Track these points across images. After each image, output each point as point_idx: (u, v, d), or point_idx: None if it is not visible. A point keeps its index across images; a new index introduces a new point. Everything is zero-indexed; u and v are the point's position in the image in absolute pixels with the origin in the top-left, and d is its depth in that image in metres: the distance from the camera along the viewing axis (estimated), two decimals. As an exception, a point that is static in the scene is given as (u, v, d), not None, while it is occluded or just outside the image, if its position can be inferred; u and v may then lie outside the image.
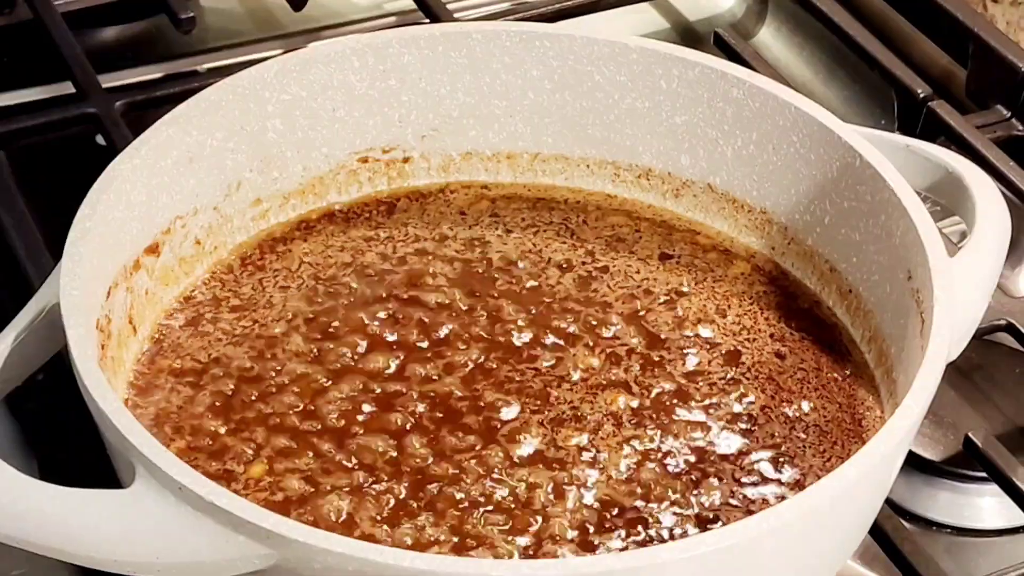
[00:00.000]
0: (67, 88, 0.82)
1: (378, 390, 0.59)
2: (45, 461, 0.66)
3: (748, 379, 0.61)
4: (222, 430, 0.58)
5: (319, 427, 0.58)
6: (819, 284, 0.65)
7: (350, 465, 0.56)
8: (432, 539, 0.54)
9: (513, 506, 0.55)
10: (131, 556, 0.49)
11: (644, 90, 0.67)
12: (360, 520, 0.54)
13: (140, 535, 0.49)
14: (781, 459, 0.58)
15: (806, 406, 0.60)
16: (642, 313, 0.64)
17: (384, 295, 0.64)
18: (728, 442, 0.59)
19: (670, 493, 0.56)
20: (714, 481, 0.57)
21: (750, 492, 0.57)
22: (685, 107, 0.67)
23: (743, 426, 0.59)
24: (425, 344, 0.61)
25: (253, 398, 0.59)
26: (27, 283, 0.70)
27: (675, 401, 0.60)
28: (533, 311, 0.63)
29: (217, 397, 0.59)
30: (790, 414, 0.60)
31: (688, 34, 0.96)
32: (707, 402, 0.60)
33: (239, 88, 0.64)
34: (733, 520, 0.55)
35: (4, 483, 0.49)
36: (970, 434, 0.65)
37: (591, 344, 0.62)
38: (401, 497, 0.55)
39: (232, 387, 0.60)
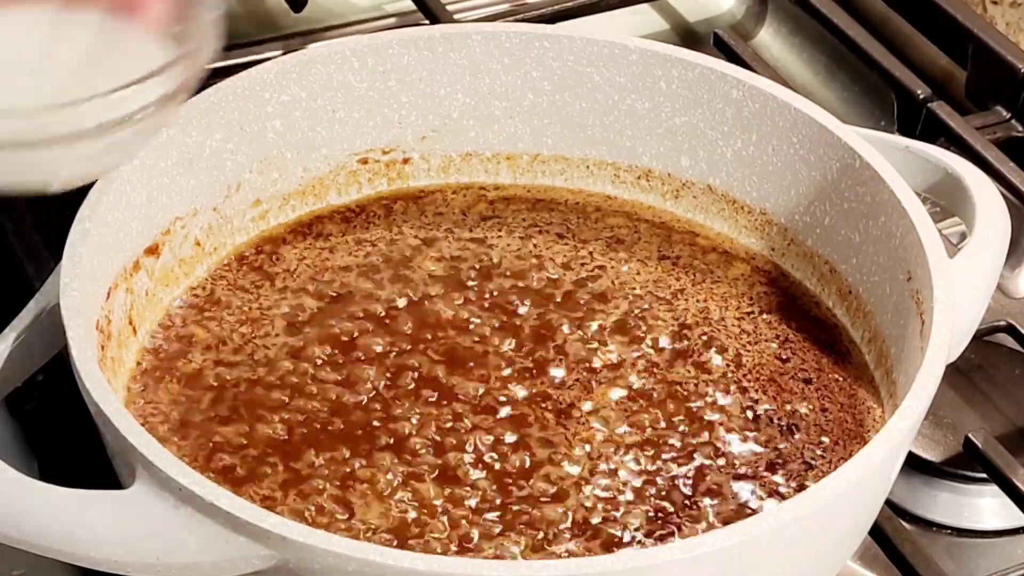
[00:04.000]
0: (67, 89, 0.82)
1: (378, 391, 0.59)
2: (45, 461, 0.66)
3: (749, 380, 0.61)
4: (222, 431, 0.58)
5: (319, 427, 0.58)
6: (819, 285, 0.65)
7: (352, 466, 0.56)
8: (433, 539, 0.54)
9: (514, 504, 0.55)
10: (131, 557, 0.49)
11: (644, 91, 0.67)
12: (363, 519, 0.55)
13: (140, 536, 0.49)
14: (781, 460, 0.58)
15: (806, 407, 0.60)
16: (642, 314, 0.64)
17: (384, 296, 0.64)
18: (728, 443, 0.59)
19: (670, 493, 0.56)
20: (714, 481, 0.57)
21: (750, 492, 0.57)
22: (685, 108, 0.67)
23: (743, 427, 0.59)
24: (426, 344, 0.61)
25: (253, 399, 0.59)
26: (27, 283, 0.70)
27: (675, 402, 0.60)
28: (533, 312, 0.63)
29: (217, 398, 0.59)
30: (790, 415, 0.60)
31: (688, 35, 0.96)
32: (707, 403, 0.60)
33: (239, 89, 0.64)
34: (733, 521, 0.55)
35: (4, 484, 0.49)
36: (970, 435, 0.65)
37: (591, 345, 0.62)
38: (401, 496, 0.55)
39: (232, 388, 0.60)
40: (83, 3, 0.49)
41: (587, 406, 0.59)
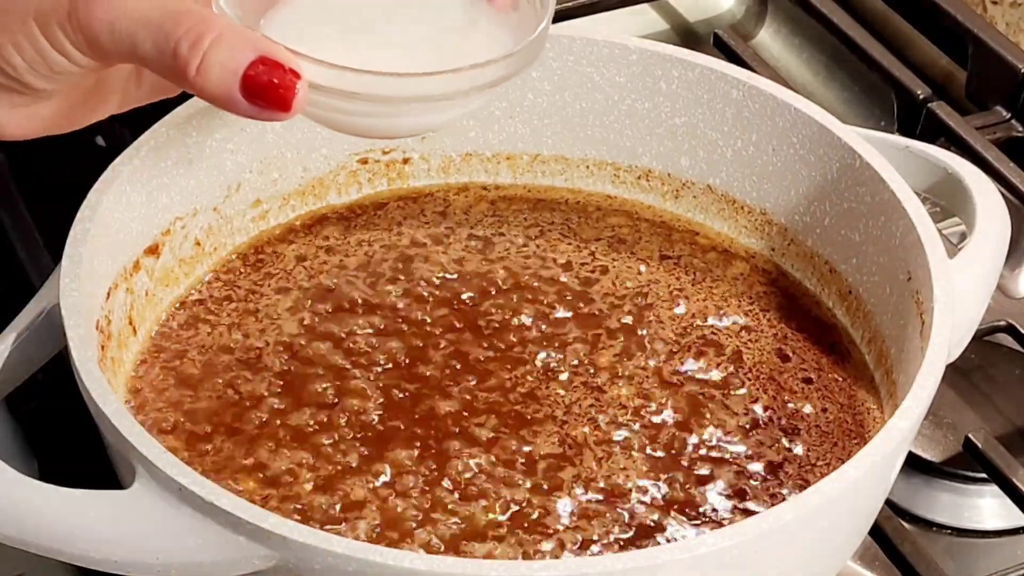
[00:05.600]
0: (67, 89, 0.82)
1: (380, 391, 0.59)
2: (45, 462, 0.66)
3: (749, 380, 0.61)
4: (222, 431, 0.58)
5: (318, 429, 0.58)
6: (819, 285, 0.65)
7: (352, 465, 0.56)
8: (435, 537, 0.54)
9: (514, 503, 0.55)
10: (131, 557, 0.49)
11: (644, 91, 0.67)
12: (363, 518, 0.55)
13: (140, 536, 0.49)
14: (781, 459, 0.58)
15: (806, 407, 0.60)
16: (643, 313, 0.64)
17: (384, 296, 0.64)
18: (729, 442, 0.59)
19: (671, 492, 0.56)
20: (714, 481, 0.57)
21: (750, 492, 0.57)
22: (685, 108, 0.67)
23: (744, 426, 0.59)
24: (428, 345, 0.61)
25: (253, 399, 0.59)
26: (27, 283, 0.70)
27: (676, 401, 0.60)
28: (535, 311, 0.63)
29: (217, 398, 0.59)
30: (790, 414, 0.60)
31: (688, 35, 0.96)
32: (708, 403, 0.60)
33: (239, 89, 0.64)
34: (733, 520, 0.55)
35: (4, 484, 0.49)
36: (970, 435, 0.65)
37: (593, 344, 0.62)
38: (401, 493, 0.55)
39: (232, 388, 0.60)
40: None
41: (588, 405, 0.59)
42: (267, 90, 0.50)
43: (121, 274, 0.60)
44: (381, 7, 0.57)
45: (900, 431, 0.52)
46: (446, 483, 0.56)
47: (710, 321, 0.64)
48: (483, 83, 0.53)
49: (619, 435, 0.58)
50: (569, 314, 0.63)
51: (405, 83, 0.52)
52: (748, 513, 0.56)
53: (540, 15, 0.55)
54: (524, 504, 0.56)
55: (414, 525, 0.54)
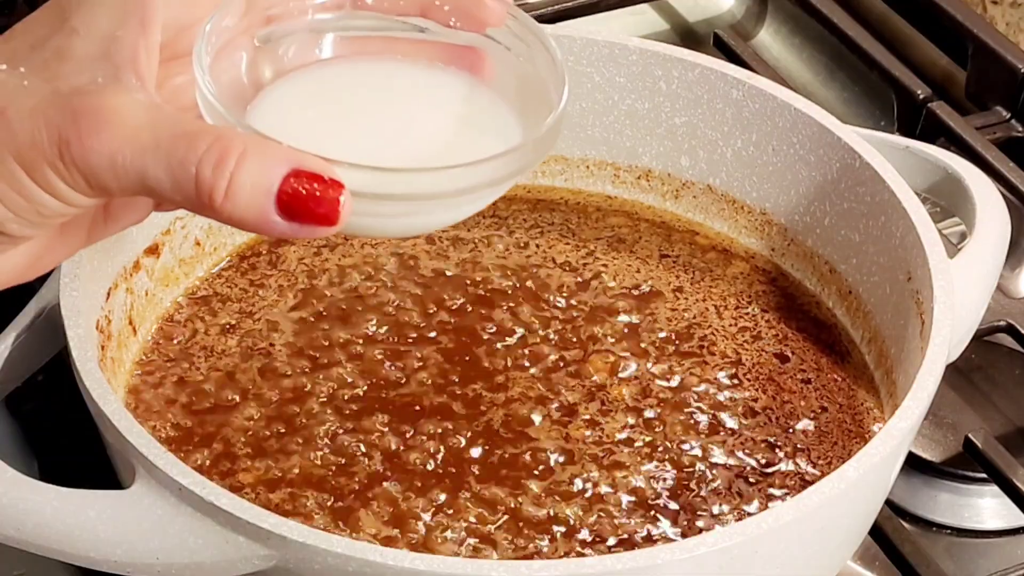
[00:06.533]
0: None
1: (378, 392, 0.59)
2: (45, 462, 0.66)
3: (749, 380, 0.61)
4: (222, 431, 0.58)
5: (317, 428, 0.58)
6: (819, 285, 0.65)
7: (350, 466, 0.56)
8: (434, 541, 0.54)
9: (513, 504, 0.55)
10: (131, 556, 0.49)
11: (644, 91, 0.67)
12: (361, 521, 0.55)
13: (140, 536, 0.49)
14: (781, 460, 0.58)
15: (806, 407, 0.60)
16: (643, 314, 0.64)
17: (384, 298, 0.64)
18: (728, 442, 0.59)
19: (670, 492, 0.56)
20: (714, 481, 0.57)
21: (750, 492, 0.57)
22: (685, 108, 0.67)
23: (743, 427, 0.59)
24: (429, 346, 0.61)
25: (252, 399, 0.59)
26: (27, 284, 0.69)
27: (676, 401, 0.60)
28: (535, 312, 0.63)
29: (216, 398, 0.59)
30: (790, 415, 0.60)
31: (688, 35, 0.96)
32: (708, 403, 0.60)
33: (239, 89, 0.64)
34: (732, 520, 0.55)
35: (4, 484, 0.49)
36: (970, 435, 0.65)
37: (594, 344, 0.62)
38: (395, 494, 0.55)
39: (231, 388, 0.60)
40: (422, 56, 0.52)
41: (588, 405, 0.59)
42: (308, 206, 0.44)
43: (121, 274, 0.60)
44: (368, 89, 0.52)
45: (900, 431, 0.52)
46: (444, 482, 0.56)
47: (710, 321, 0.64)
48: (522, 166, 0.48)
49: (619, 436, 0.58)
50: (570, 314, 0.63)
51: (449, 176, 0.46)
52: (747, 513, 0.56)
53: (549, 73, 0.50)
54: (523, 504, 0.56)
55: (417, 525, 0.54)
